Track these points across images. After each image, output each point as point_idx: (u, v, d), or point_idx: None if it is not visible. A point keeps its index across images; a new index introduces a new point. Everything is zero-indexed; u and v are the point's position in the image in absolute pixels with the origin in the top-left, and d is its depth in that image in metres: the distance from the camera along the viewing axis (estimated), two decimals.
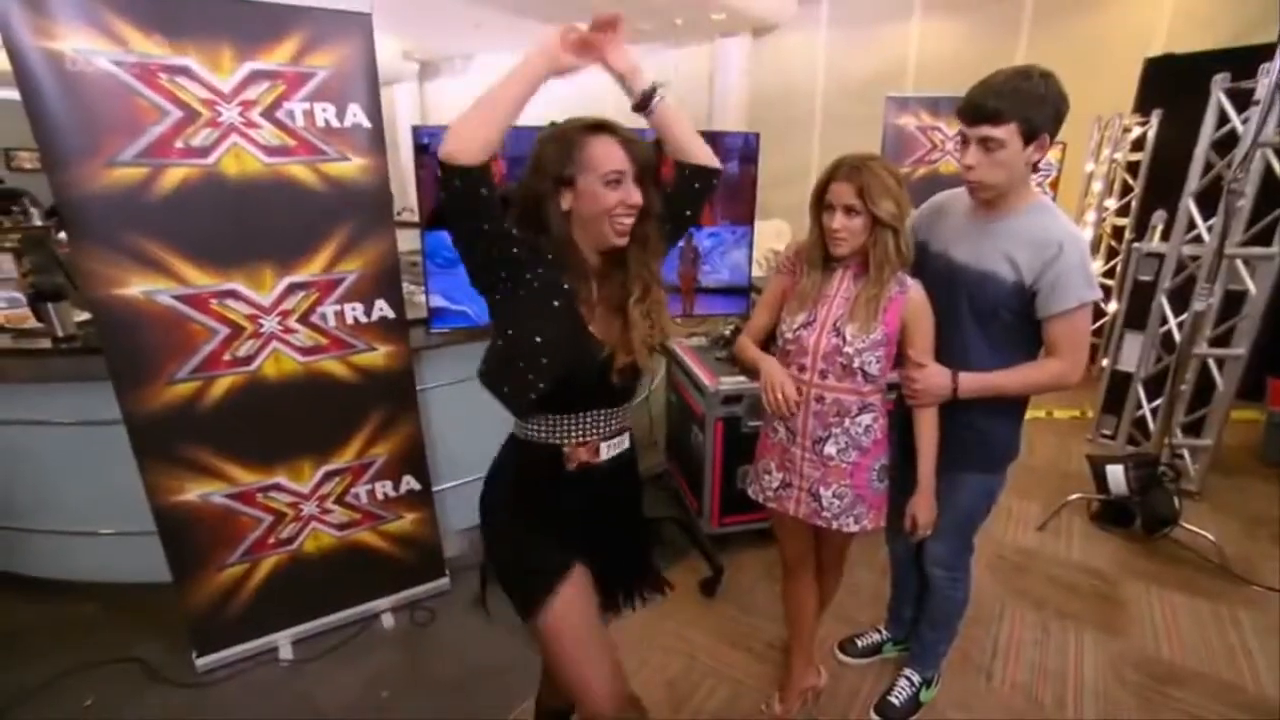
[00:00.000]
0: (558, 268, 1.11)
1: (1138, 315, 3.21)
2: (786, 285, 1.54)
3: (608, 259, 1.17)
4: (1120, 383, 3.33)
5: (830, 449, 1.48)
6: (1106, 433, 3.47)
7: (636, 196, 1.09)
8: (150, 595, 2.12)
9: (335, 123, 1.83)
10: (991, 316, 1.44)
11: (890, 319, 1.41)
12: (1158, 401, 3.04)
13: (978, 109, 1.31)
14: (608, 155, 1.07)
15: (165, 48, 1.57)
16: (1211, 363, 2.95)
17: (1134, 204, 4.14)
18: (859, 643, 2.07)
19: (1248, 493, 3.03)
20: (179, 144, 1.63)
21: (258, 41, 1.68)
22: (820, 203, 1.43)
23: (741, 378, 2.39)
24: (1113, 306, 4.29)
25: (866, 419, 1.47)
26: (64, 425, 2.15)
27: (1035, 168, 1.38)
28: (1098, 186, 4.41)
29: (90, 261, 1.60)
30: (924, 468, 1.52)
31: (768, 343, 1.60)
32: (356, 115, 1.86)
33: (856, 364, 1.42)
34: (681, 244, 2.25)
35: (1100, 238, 4.49)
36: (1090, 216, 4.47)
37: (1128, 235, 4.17)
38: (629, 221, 1.11)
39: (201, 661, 1.95)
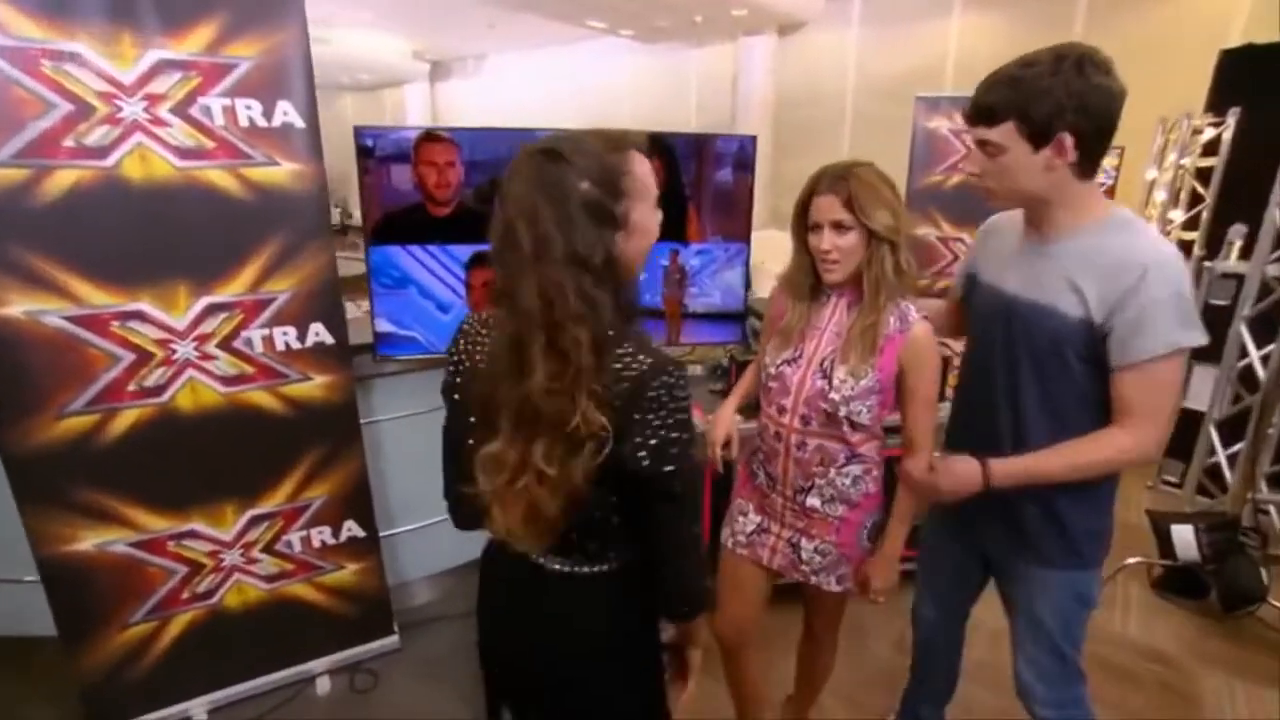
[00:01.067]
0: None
1: (1209, 346, 2.87)
2: (775, 312, 1.40)
3: None
4: (1187, 422, 3.00)
5: (813, 500, 1.37)
6: (1171, 479, 3.13)
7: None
8: (39, 651, 1.95)
9: (262, 122, 1.66)
10: (1055, 364, 1.15)
11: (886, 362, 1.25)
12: (1235, 448, 2.71)
13: (973, 107, 1.11)
14: (648, 174, 0.89)
15: (50, 31, 1.41)
16: None
17: (1205, 215, 3.79)
18: None
19: None
20: (69, 142, 1.47)
21: (166, 26, 1.52)
22: (804, 222, 1.24)
23: (737, 414, 2.16)
24: None
25: (855, 470, 1.34)
26: None
27: (1087, 173, 1.10)
28: (1161, 196, 4.07)
29: None
30: (894, 524, 1.37)
31: None
32: (288, 114, 1.69)
33: (842, 413, 1.27)
34: (665, 263, 2.03)
35: None
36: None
37: (1197, 252, 3.81)
38: None
39: None
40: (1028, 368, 1.18)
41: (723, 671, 1.61)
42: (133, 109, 1.52)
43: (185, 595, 1.82)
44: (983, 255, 1.33)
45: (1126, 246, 1.08)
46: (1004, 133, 1.06)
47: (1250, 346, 2.66)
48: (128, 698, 1.79)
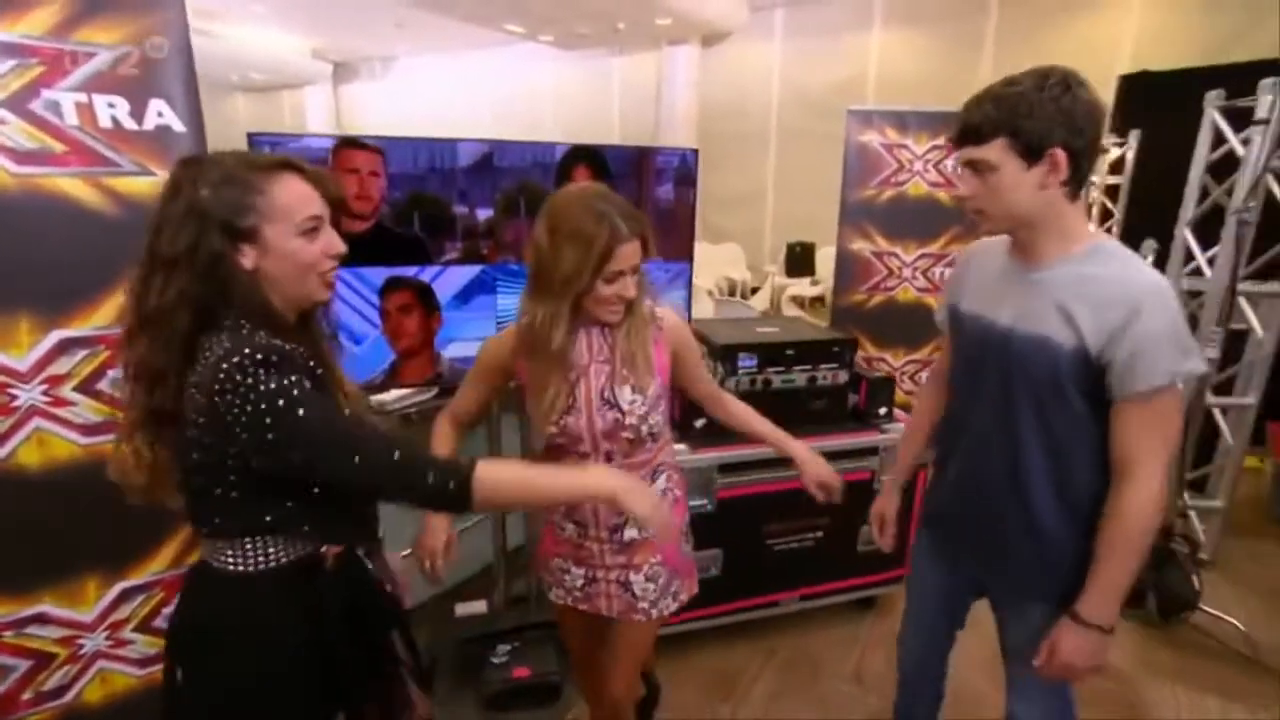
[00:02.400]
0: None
1: None
2: (504, 361, 1.34)
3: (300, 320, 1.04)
4: None
5: (630, 532, 1.36)
6: None
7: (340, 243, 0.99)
8: None
9: (129, 123, 1.45)
10: (1055, 399, 1.12)
11: (662, 362, 1.31)
12: None
13: (960, 126, 1.10)
14: (299, 199, 0.94)
15: None
16: (1218, 413, 2.80)
17: (1114, 230, 4.09)
18: None
19: (1263, 560, 2.87)
20: None
21: None
22: (595, 274, 1.16)
23: (681, 445, 2.08)
24: None
25: (660, 482, 1.39)
26: None
27: (1075, 194, 1.09)
28: None
29: None
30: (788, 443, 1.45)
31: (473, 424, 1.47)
32: (163, 115, 1.48)
33: (644, 431, 1.30)
34: None
35: None
36: None
37: None
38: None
39: None
40: (1026, 403, 1.15)
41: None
42: None
43: (27, 696, 1.54)
44: (963, 286, 1.30)
45: (1120, 277, 1.07)
46: (995, 150, 1.05)
47: None
48: None
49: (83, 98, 1.39)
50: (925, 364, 3.77)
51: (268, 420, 0.84)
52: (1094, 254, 1.10)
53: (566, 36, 8.01)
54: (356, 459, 0.88)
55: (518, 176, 1.79)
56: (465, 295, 1.79)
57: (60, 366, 1.46)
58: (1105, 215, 4.23)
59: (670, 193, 1.95)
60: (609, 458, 1.31)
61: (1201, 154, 2.65)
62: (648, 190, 1.93)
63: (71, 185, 1.41)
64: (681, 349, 1.36)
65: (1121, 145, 4.00)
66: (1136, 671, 2.21)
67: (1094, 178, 4.19)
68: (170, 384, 0.89)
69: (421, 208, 1.72)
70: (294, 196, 0.92)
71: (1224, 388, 2.82)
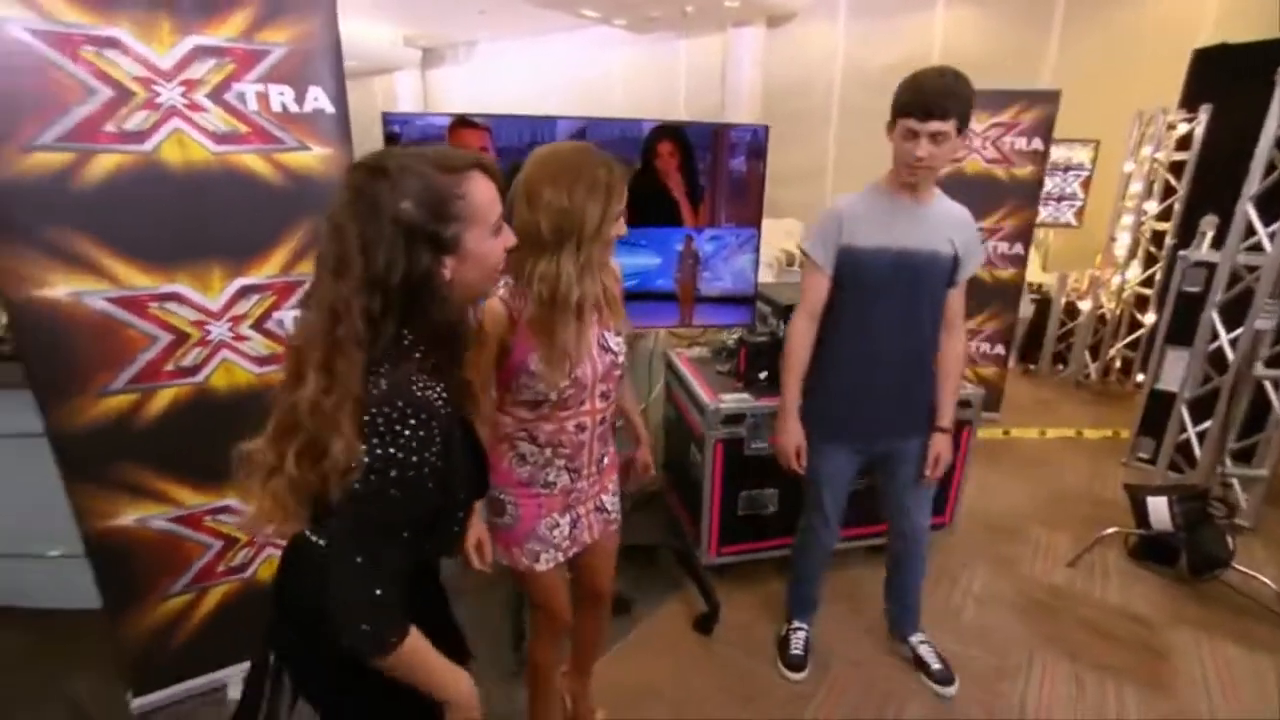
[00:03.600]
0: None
1: (1182, 330, 2.99)
2: (502, 336, 1.24)
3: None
4: (1161, 403, 3.12)
5: (605, 460, 1.46)
6: (1144, 456, 3.26)
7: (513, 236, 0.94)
8: (85, 623, 1.97)
9: (294, 107, 1.66)
10: (938, 292, 1.66)
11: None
12: (1204, 425, 2.83)
13: (931, 107, 1.47)
14: (488, 197, 0.87)
15: (91, 16, 1.41)
16: (1268, 384, 2.73)
17: (1177, 207, 3.91)
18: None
19: None
20: (110, 127, 1.46)
21: (202, 12, 1.51)
22: (609, 226, 1.21)
23: (745, 394, 2.22)
24: (1150, 318, 4.06)
25: (613, 405, 1.44)
26: None
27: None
28: (1136, 187, 4.18)
29: (5, 258, 1.45)
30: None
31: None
32: (318, 99, 1.69)
33: (624, 364, 1.39)
34: (680, 248, 2.07)
35: (1138, 243, 4.26)
36: (1127, 220, 4.24)
37: (1169, 241, 3.94)
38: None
39: (138, 702, 1.79)
40: (926, 299, 1.65)
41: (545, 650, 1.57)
42: (170, 94, 1.51)
43: (221, 568, 1.84)
44: (862, 228, 1.62)
45: (959, 209, 1.65)
46: (950, 125, 1.47)
47: (1220, 330, 2.77)
48: (166, 666, 1.81)
49: (261, 88, 1.61)
50: (976, 333, 3.75)
51: (371, 477, 0.78)
52: (940, 196, 1.64)
53: (638, 20, 8.00)
54: (355, 557, 0.80)
55: (608, 149, 1.94)
56: None
57: (240, 308, 1.71)
58: (1167, 191, 4.04)
59: (743, 164, 2.06)
60: (605, 397, 1.35)
61: (1270, 129, 2.54)
62: (722, 162, 2.04)
63: (252, 160, 1.64)
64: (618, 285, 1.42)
65: (1191, 120, 3.80)
66: (1163, 620, 2.24)
67: (1158, 154, 4.00)
68: (347, 410, 0.78)
69: None
70: (486, 197, 0.85)
71: (1276, 360, 2.73)
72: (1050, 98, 3.37)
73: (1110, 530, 2.60)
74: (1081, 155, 5.02)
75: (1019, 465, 3.37)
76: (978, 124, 3.42)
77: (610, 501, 1.50)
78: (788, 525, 2.34)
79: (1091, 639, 2.16)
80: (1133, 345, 4.28)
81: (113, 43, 1.44)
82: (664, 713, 1.86)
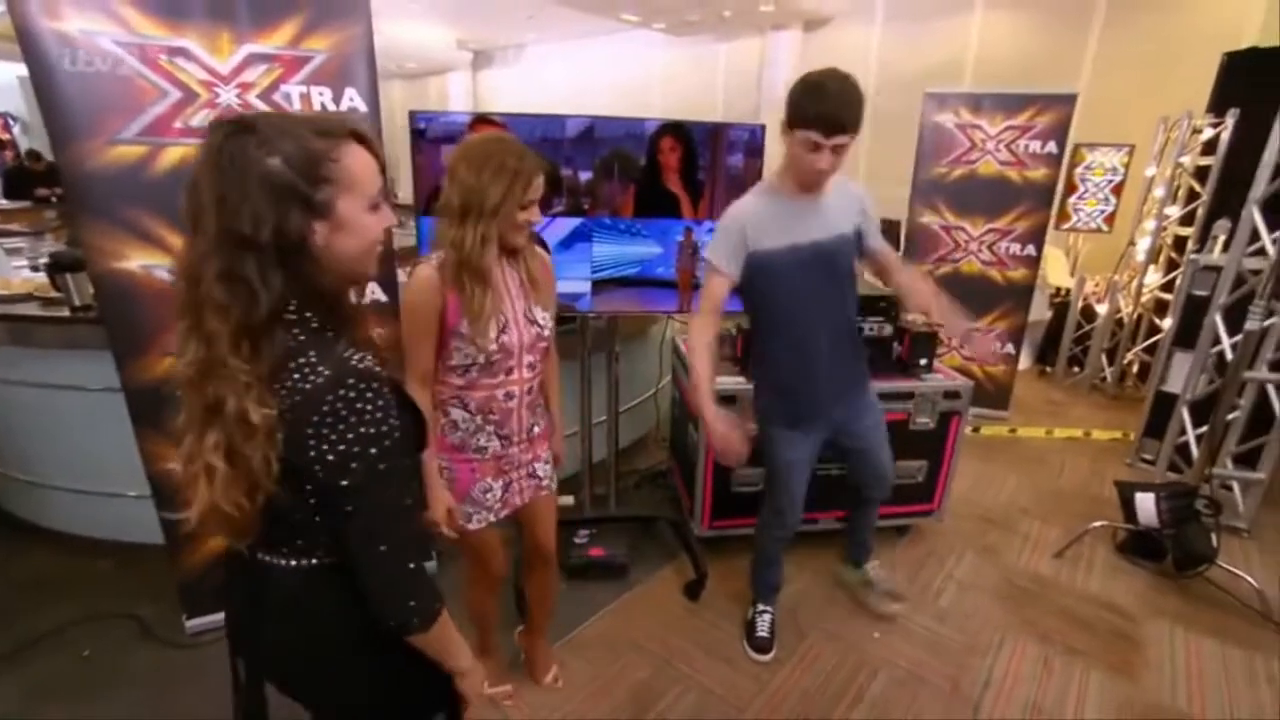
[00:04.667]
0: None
1: (1189, 333, 2.95)
2: (437, 303, 1.33)
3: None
4: (1165, 405, 3.07)
5: (536, 429, 1.54)
6: (1147, 457, 3.21)
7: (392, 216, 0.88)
8: (159, 556, 2.21)
9: (331, 106, 1.84)
10: (850, 267, 1.74)
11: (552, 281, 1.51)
12: (1205, 428, 2.78)
13: (836, 123, 1.47)
14: (366, 169, 0.80)
15: (165, 29, 1.62)
16: (1271, 389, 2.67)
17: (1199, 212, 3.80)
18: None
19: None
20: (178, 124, 1.68)
21: (257, 24, 1.71)
22: (518, 201, 1.30)
23: (739, 377, 2.32)
24: (1166, 323, 3.96)
25: (540, 376, 1.51)
26: (91, 391, 2.26)
27: None
28: (1159, 193, 4.07)
29: (93, 236, 1.67)
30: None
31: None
32: (353, 99, 1.87)
33: (549, 336, 1.47)
34: (680, 239, 2.19)
35: (1159, 248, 4.15)
36: (1149, 225, 4.14)
37: (1190, 246, 3.83)
38: None
39: (191, 624, 2.03)
40: (845, 279, 1.73)
41: (481, 598, 1.72)
42: (228, 95, 1.71)
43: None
44: (769, 232, 1.65)
45: (847, 186, 1.72)
46: (851, 136, 1.50)
47: (1222, 334, 2.72)
48: (216, 595, 2.04)
49: (304, 89, 1.80)
50: (986, 332, 3.74)
51: (353, 465, 0.74)
52: (834, 180, 1.66)
53: (677, 24, 8.09)
54: (383, 544, 0.79)
55: (613, 145, 2.07)
56: (568, 242, 2.10)
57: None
58: (1191, 196, 3.93)
59: (740, 161, 2.16)
60: (531, 367, 1.44)
61: (1278, 132, 2.49)
62: (721, 158, 2.15)
63: None
64: (552, 280, 1.53)
65: (1217, 125, 3.69)
66: (1142, 612, 2.25)
67: (1183, 159, 3.89)
68: (228, 378, 0.72)
69: None
70: (363, 166, 0.79)
71: None
72: (1067, 101, 3.34)
73: (1098, 524, 2.60)
74: (1114, 160, 4.88)
75: (1020, 461, 3.36)
76: (991, 126, 3.41)
77: (542, 469, 1.58)
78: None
79: (1067, 625, 2.19)
80: (1151, 350, 4.18)
81: (183, 52, 1.64)
82: (642, 665, 1.99)
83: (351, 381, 0.74)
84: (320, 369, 0.74)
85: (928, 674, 1.97)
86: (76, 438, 2.36)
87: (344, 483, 0.75)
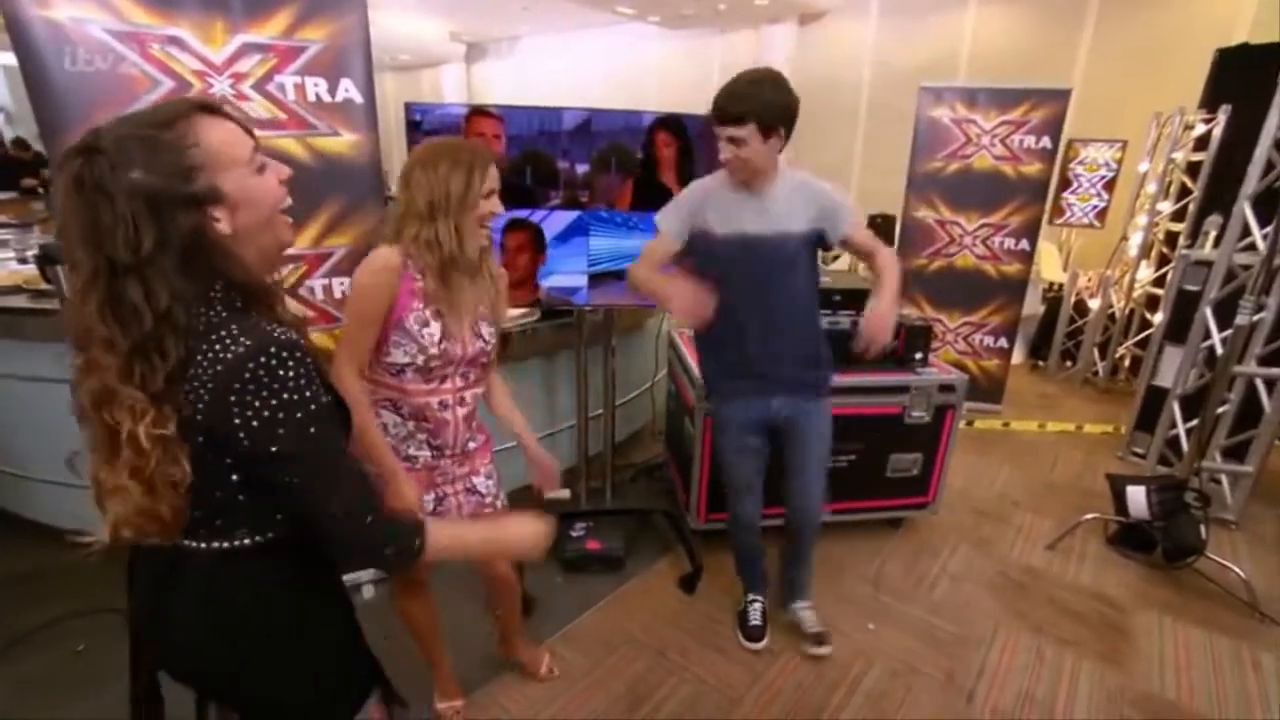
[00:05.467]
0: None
1: (1180, 327, 2.98)
2: (394, 292, 1.28)
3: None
4: (1156, 399, 3.11)
5: (473, 444, 1.49)
6: (1138, 451, 3.25)
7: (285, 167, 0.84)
8: None
9: (326, 97, 1.84)
10: (791, 264, 1.70)
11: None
12: (1195, 421, 2.82)
13: (723, 112, 1.52)
14: (228, 137, 0.76)
15: (157, 18, 1.60)
16: (1260, 383, 2.71)
17: (1191, 208, 3.84)
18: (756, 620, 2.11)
19: None
20: None
21: (250, 13, 1.69)
22: (478, 189, 1.29)
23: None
24: (1158, 318, 4.00)
25: (480, 389, 1.47)
26: None
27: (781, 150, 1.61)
28: (1152, 188, 4.10)
29: None
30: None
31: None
32: (349, 90, 1.87)
33: (491, 355, 1.43)
34: None
35: (1151, 244, 4.18)
36: (1141, 220, 4.17)
37: (1182, 241, 3.87)
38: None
39: None
40: (778, 276, 1.70)
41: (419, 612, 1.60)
42: (221, 86, 1.70)
43: None
44: (709, 215, 1.69)
45: (809, 184, 1.69)
46: (746, 130, 1.50)
47: (1213, 328, 2.75)
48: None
49: (298, 79, 1.79)
50: (980, 326, 3.77)
51: (280, 431, 0.73)
52: (790, 178, 1.67)
53: (672, 17, 8.07)
54: (335, 508, 0.78)
55: (611, 139, 2.06)
56: (565, 236, 2.10)
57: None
58: (1183, 192, 3.96)
59: None
60: (465, 377, 1.41)
61: (1269, 128, 2.51)
62: (715, 150, 2.14)
63: (288, 144, 1.82)
64: (502, 291, 1.49)
65: (1209, 121, 3.72)
66: (1132, 603, 2.28)
67: (1175, 154, 3.92)
68: (120, 405, 0.72)
69: (533, 163, 2.04)
70: (224, 136, 0.75)
71: (1273, 358, 2.70)
72: (1061, 96, 3.35)
73: (1090, 516, 2.63)
74: (1108, 155, 4.92)
75: (1013, 454, 3.39)
76: (986, 121, 3.42)
77: (484, 484, 1.52)
78: (771, 497, 2.44)
79: (1059, 616, 2.21)
80: (1143, 344, 4.21)
81: (175, 41, 1.62)
82: (638, 658, 2.00)
83: (273, 350, 0.73)
84: (241, 339, 0.73)
85: (922, 665, 1.99)
86: (65, 430, 2.33)
87: (274, 449, 0.74)
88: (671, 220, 1.74)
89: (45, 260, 2.08)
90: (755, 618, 2.08)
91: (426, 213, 1.26)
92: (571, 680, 1.90)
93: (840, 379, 2.33)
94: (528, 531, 0.98)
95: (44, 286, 2.23)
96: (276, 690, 0.90)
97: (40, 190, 6.14)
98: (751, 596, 2.12)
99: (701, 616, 2.18)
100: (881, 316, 1.62)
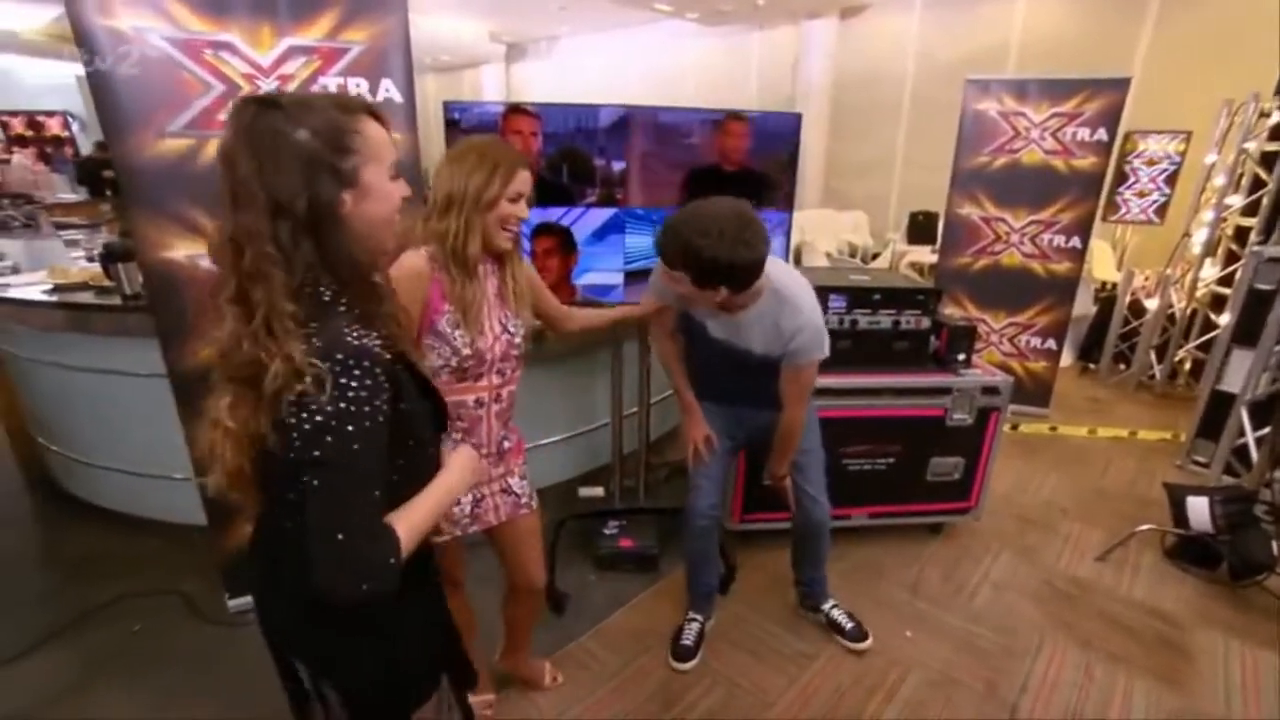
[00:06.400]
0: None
1: (1251, 329, 2.79)
2: (426, 292, 1.28)
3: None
4: (1221, 405, 2.92)
5: (507, 443, 1.48)
6: (1201, 460, 3.07)
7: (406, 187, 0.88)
8: (203, 537, 2.29)
9: (368, 97, 1.86)
10: (757, 365, 1.69)
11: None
12: (1265, 430, 2.64)
13: (660, 251, 1.50)
14: (383, 139, 0.83)
15: (210, 24, 1.65)
16: None
17: (1265, 201, 3.59)
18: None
19: None
20: (221, 116, 1.71)
21: (296, 17, 1.73)
22: (499, 195, 1.28)
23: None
24: (1224, 319, 3.77)
25: (513, 386, 1.46)
26: (140, 376, 2.34)
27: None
28: (1220, 181, 3.86)
29: (142, 226, 1.72)
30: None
31: None
32: (389, 90, 1.89)
33: (522, 350, 1.42)
34: None
35: (1219, 240, 3.94)
36: (1208, 215, 3.93)
37: (1253, 237, 3.63)
38: None
39: (233, 603, 2.09)
40: (752, 359, 1.68)
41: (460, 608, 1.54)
42: (268, 88, 1.74)
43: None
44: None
45: (780, 323, 1.61)
46: (680, 277, 1.48)
47: None
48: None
49: (341, 80, 1.82)
50: (1027, 326, 3.62)
51: (328, 439, 0.73)
52: (765, 300, 1.61)
53: (710, 14, 7.98)
54: (341, 535, 0.75)
55: (667, 135, 2.04)
56: (601, 234, 2.09)
57: None
58: (1255, 185, 3.71)
59: (781, 149, 2.12)
60: (501, 374, 1.39)
61: None
62: (757, 147, 2.11)
63: None
64: (537, 284, 1.52)
65: None
66: (1192, 620, 2.15)
67: (1248, 144, 3.68)
68: (280, 335, 0.74)
69: (569, 160, 2.04)
70: (381, 137, 0.83)
71: None
72: (1119, 86, 3.18)
73: (1145, 527, 2.49)
74: (1169, 148, 4.65)
75: (1060, 460, 3.25)
76: (1036, 114, 3.28)
77: (518, 485, 1.52)
78: (769, 502, 2.36)
79: (1109, 631, 2.10)
80: (1205, 347, 3.98)
81: (226, 46, 1.67)
82: (665, 657, 1.97)
83: (340, 357, 0.75)
84: (314, 340, 0.75)
85: (962, 675, 1.92)
86: (127, 421, 2.45)
87: (315, 454, 0.74)
88: (654, 294, 1.77)
89: (109, 258, 2.18)
90: (688, 637, 1.98)
91: (444, 205, 1.27)
92: (602, 679, 1.90)
93: (879, 380, 2.29)
94: (457, 475, 0.96)
95: (107, 284, 2.33)
96: (361, 670, 0.92)
97: (109, 191, 6.45)
98: (692, 615, 2.03)
99: (735, 618, 2.15)
100: (773, 475, 1.87)
